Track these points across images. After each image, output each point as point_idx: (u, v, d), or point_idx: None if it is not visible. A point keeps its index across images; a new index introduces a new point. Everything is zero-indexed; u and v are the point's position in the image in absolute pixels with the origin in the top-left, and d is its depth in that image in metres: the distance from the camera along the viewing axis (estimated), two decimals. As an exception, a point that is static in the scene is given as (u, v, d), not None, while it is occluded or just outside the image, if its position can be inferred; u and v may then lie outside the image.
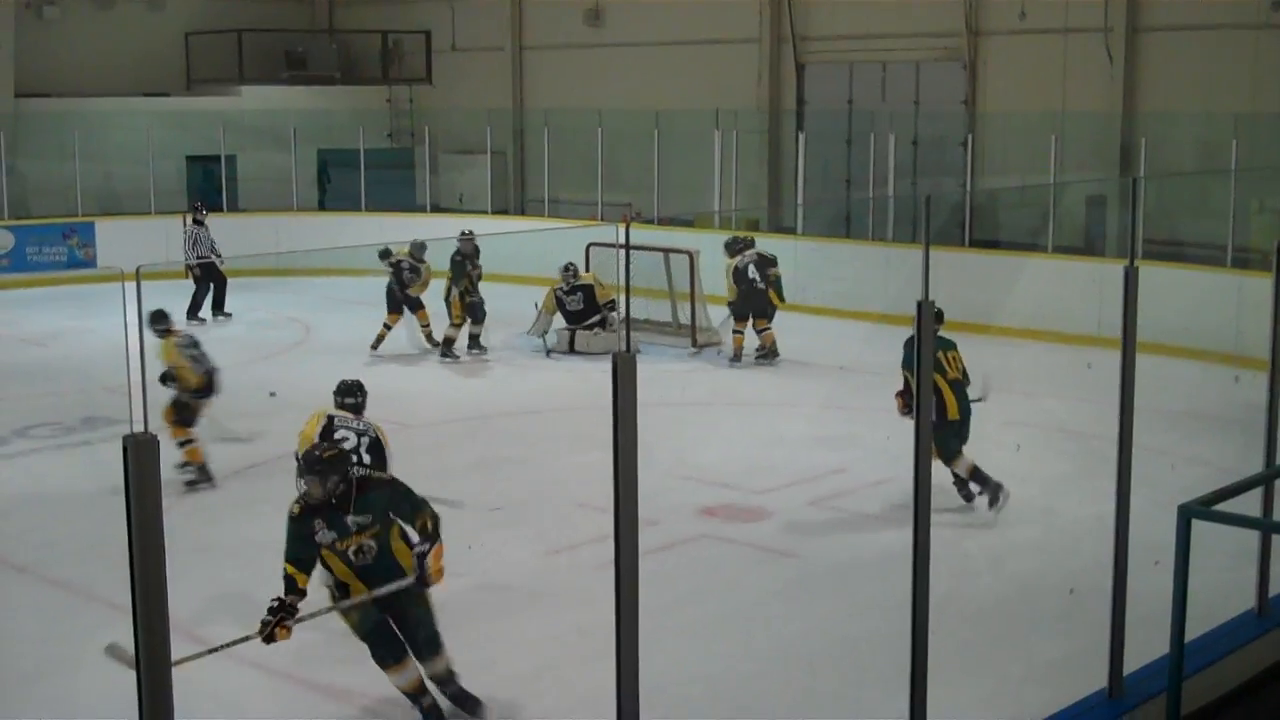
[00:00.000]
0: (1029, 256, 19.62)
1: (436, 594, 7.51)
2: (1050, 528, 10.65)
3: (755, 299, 16.89)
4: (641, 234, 19.76)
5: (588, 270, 17.95)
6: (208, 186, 25.51)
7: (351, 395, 9.72)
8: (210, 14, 27.85)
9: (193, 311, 19.67)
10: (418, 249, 17.45)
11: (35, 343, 18.70)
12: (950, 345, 10.87)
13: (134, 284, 4.59)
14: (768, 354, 17.00)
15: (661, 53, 24.69)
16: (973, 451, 10.95)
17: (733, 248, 17.18)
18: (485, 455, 12.99)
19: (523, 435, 13.84)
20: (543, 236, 20.91)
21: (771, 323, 17.03)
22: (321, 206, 25.71)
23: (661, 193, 22.93)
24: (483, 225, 23.08)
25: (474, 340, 17.57)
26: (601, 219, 22.58)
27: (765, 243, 21.06)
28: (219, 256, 20.03)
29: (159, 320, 11.79)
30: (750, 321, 16.98)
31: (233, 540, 10.49)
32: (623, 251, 18.42)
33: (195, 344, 12.06)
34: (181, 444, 11.78)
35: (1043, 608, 9.03)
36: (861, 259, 20.02)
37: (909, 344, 10.16)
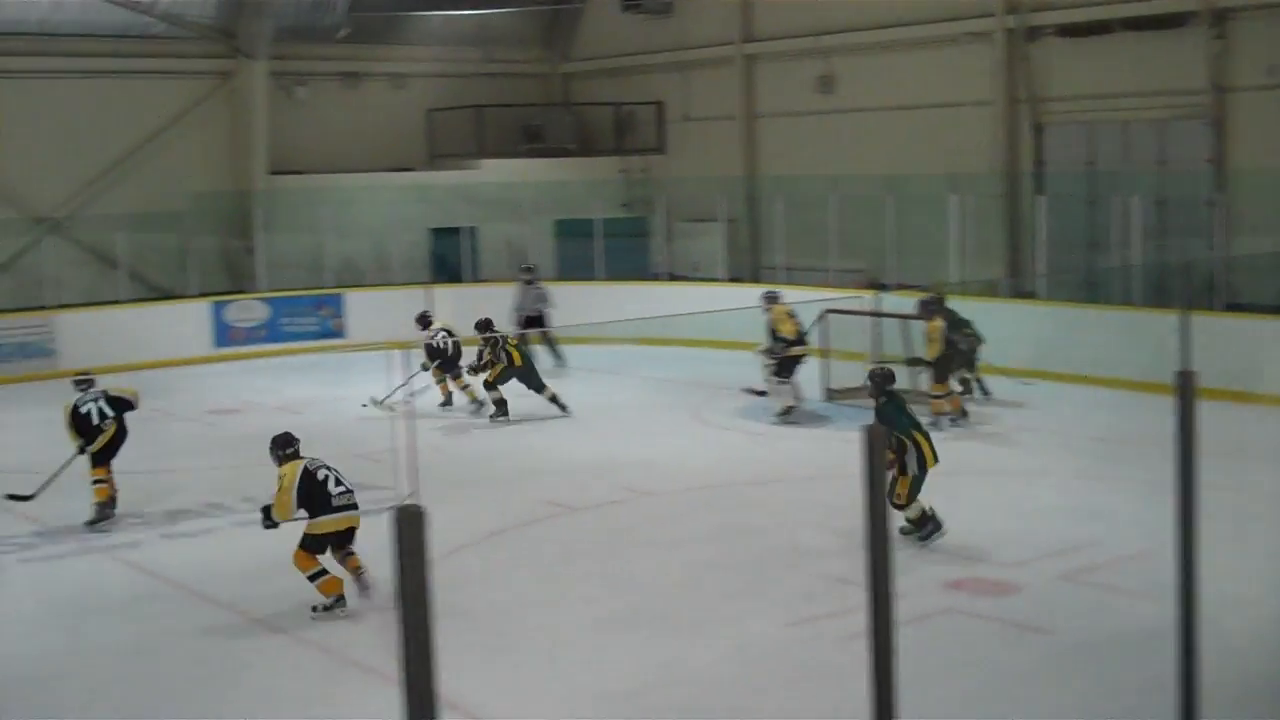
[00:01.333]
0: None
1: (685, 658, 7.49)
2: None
3: (959, 359, 17.10)
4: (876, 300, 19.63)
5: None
6: (448, 258, 26.26)
7: (292, 445, 11.03)
8: (451, 91, 28.79)
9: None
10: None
11: (290, 410, 19.40)
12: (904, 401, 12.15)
13: (391, 354, 4.74)
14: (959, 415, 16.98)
15: (894, 117, 24.56)
16: (1227, 528, 10.52)
17: (931, 307, 17.04)
18: (726, 523, 12.98)
19: (763, 503, 13.79)
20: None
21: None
22: (560, 276, 26.21)
23: (896, 259, 22.74)
24: (717, 293, 23.21)
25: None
26: (835, 285, 22.46)
27: (1005, 309, 20.76)
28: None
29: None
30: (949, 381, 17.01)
31: (480, 604, 10.68)
32: (866, 319, 18.40)
33: None
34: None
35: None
36: (1107, 325, 19.47)
37: (881, 410, 11.85)
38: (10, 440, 17.68)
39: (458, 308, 22.18)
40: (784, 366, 17.79)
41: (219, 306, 24.37)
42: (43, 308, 23.39)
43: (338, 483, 10.77)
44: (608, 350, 22.39)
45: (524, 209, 26.41)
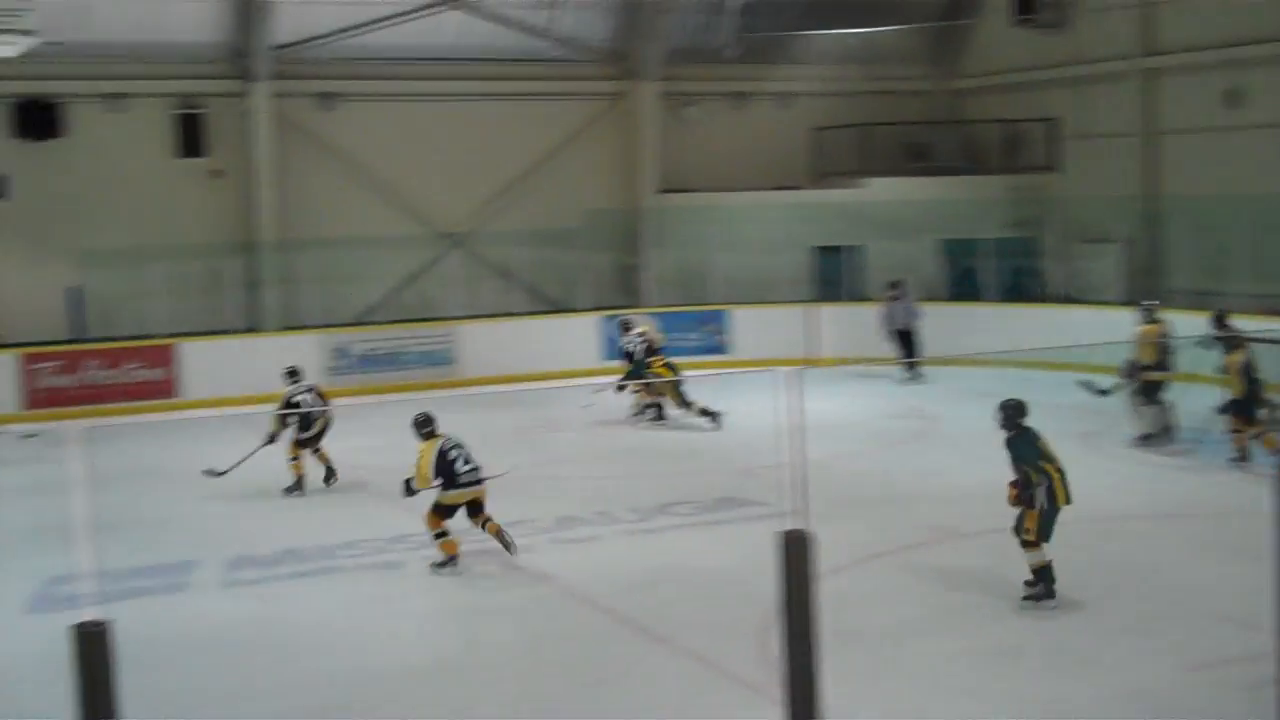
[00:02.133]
0: None
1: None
2: None
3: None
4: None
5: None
6: (832, 276, 26.26)
7: (429, 425, 12.70)
8: (836, 110, 28.76)
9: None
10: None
11: (673, 424, 19.78)
12: (1041, 435, 11.33)
13: (785, 371, 4.74)
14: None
15: (1311, 131, 23.06)
16: None
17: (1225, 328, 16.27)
18: (1118, 557, 12.45)
19: (1157, 538, 13.16)
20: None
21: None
22: (950, 297, 25.77)
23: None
24: (1112, 316, 22.32)
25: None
26: (1245, 312, 21.23)
27: None
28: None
29: None
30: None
31: (865, 626, 10.59)
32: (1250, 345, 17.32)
33: None
34: None
35: None
36: None
37: (1010, 443, 11.26)
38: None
39: (840, 326, 22.20)
40: (1146, 390, 17.02)
41: (607, 321, 25.10)
42: (445, 318, 24.67)
43: (466, 461, 12.50)
44: (992, 373, 21.85)
45: (909, 228, 26.09)
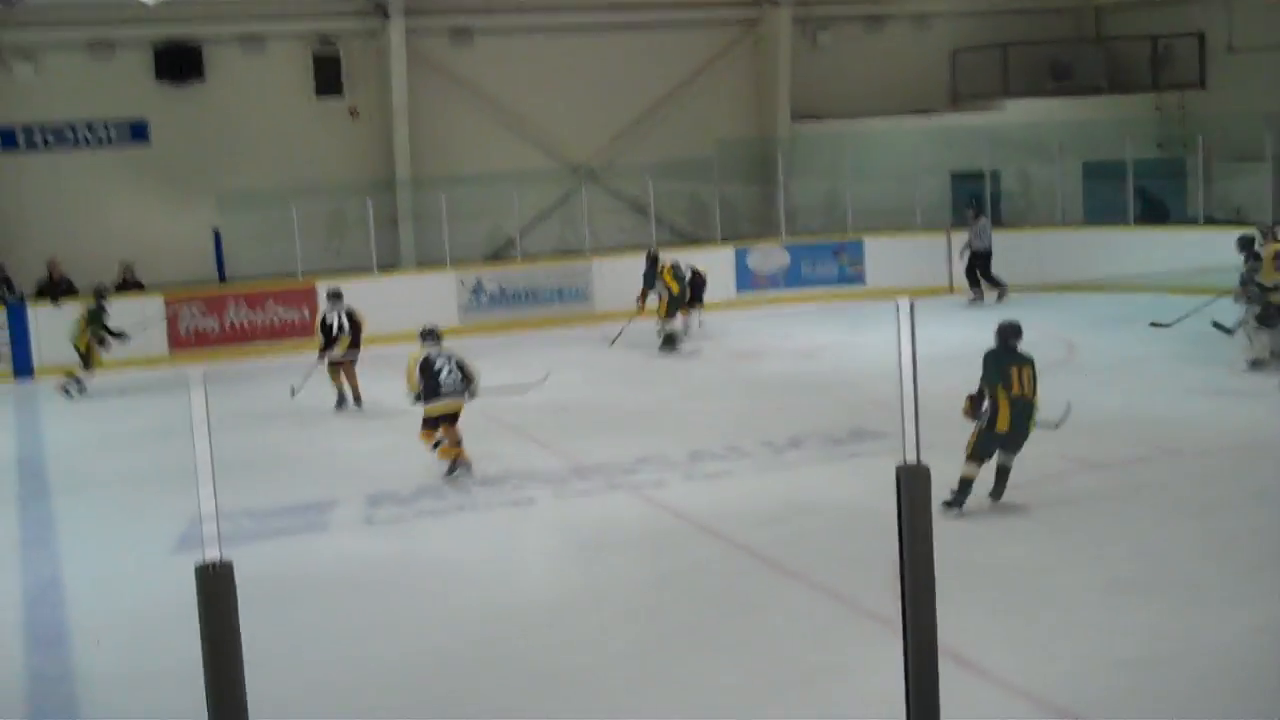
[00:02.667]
0: None
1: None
2: None
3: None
4: None
5: None
6: (970, 202, 25.83)
7: (429, 337, 13.58)
8: (976, 30, 28.15)
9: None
10: None
11: (806, 355, 19.70)
12: (1026, 361, 11.37)
13: (906, 305, 4.68)
14: None
15: None
16: None
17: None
18: (1261, 488, 12.12)
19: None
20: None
21: None
22: (1087, 219, 25.19)
23: None
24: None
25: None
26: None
27: None
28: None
29: None
30: None
31: (993, 561, 10.48)
32: None
33: None
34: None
35: None
36: None
37: (986, 358, 11.39)
38: (552, 380, 18.78)
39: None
40: (1266, 314, 16.45)
41: (742, 252, 24.99)
42: (580, 253, 24.76)
43: (449, 373, 13.29)
44: (1125, 299, 21.33)
45: (1050, 150, 25.50)
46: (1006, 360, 11.45)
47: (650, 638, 9.40)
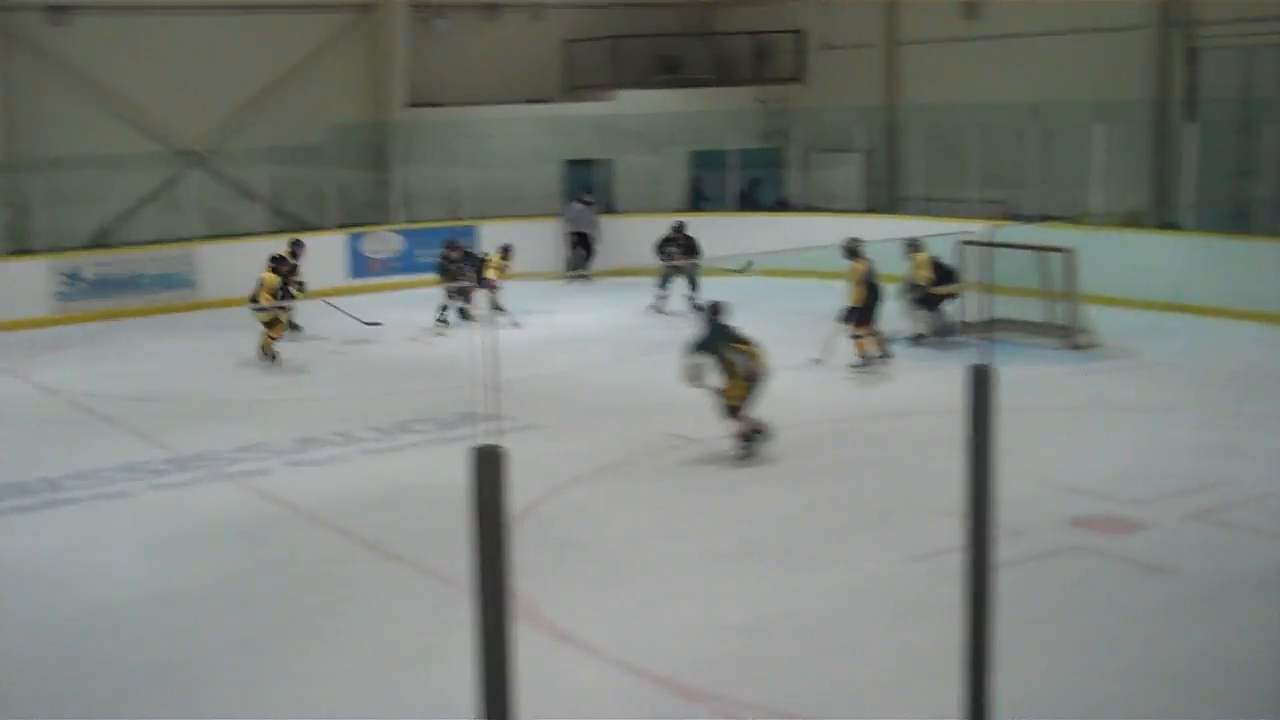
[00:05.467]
0: None
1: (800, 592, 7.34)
2: None
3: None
4: (1019, 232, 19.15)
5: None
6: (582, 189, 26.28)
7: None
8: (589, 22, 28.63)
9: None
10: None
11: (418, 340, 19.60)
12: (738, 335, 12.74)
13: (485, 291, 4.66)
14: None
15: (1040, 44, 23.79)
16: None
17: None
18: (850, 458, 12.80)
19: (888, 438, 13.55)
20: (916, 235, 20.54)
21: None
22: (695, 207, 25.98)
23: (1037, 189, 22.14)
24: (853, 224, 22.78)
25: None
26: (975, 216, 21.97)
27: (1149, 239, 20.20)
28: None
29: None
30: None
31: (597, 536, 10.65)
32: (994, 250, 18.00)
33: None
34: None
35: None
36: (1257, 256, 18.76)
37: (702, 334, 12.69)
38: (153, 369, 18.07)
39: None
40: (925, 301, 17.92)
41: (355, 238, 24.65)
42: (185, 239, 23.85)
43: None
44: (735, 283, 22.16)
45: (659, 140, 26.18)
46: (723, 334, 12.64)
47: (250, 628, 9.14)
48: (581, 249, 25.09)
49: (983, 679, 4.26)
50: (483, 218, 25.52)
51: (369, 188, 26.70)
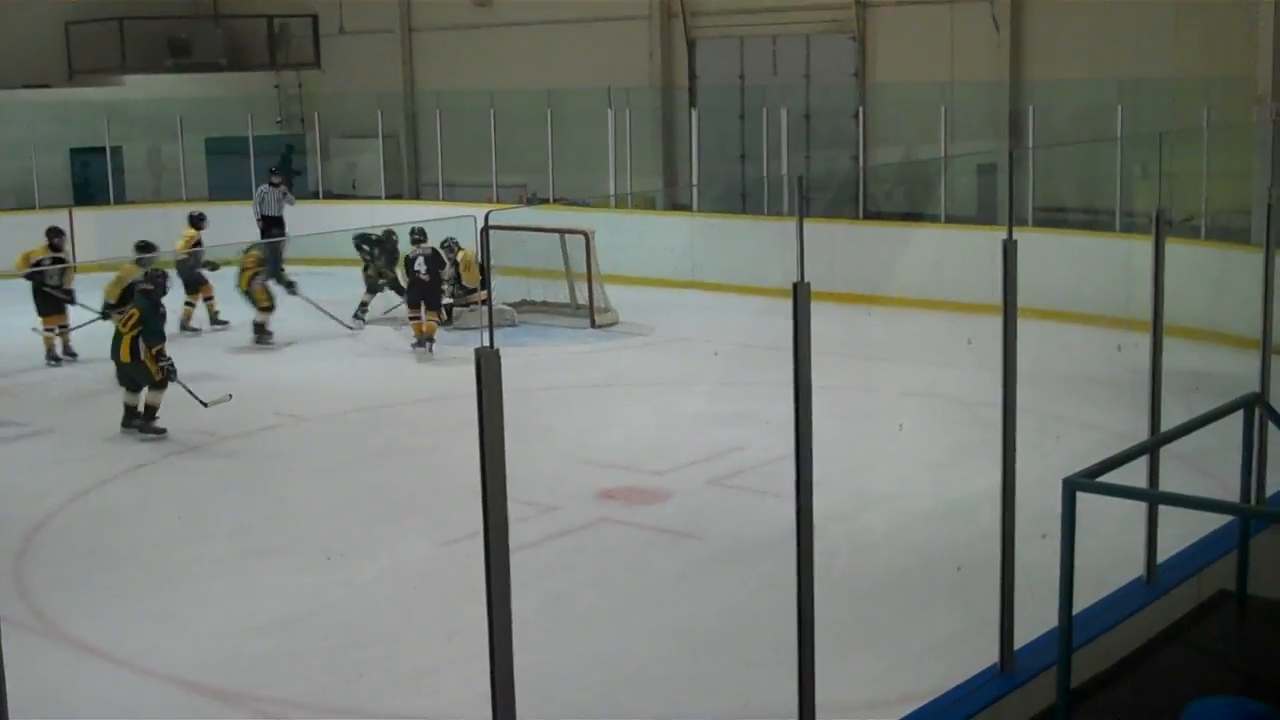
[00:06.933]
0: (920, 227, 19.80)
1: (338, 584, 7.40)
2: (943, 500, 10.71)
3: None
4: (538, 215, 19.70)
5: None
6: (91, 179, 25.04)
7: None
8: (91, 2, 27.20)
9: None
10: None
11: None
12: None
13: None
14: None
15: (552, 31, 24.52)
16: (861, 427, 11.06)
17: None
18: (384, 445, 12.87)
19: (423, 423, 13.67)
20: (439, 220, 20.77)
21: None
22: (211, 195, 25.25)
23: (556, 173, 22.82)
24: (376, 210, 22.80)
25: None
26: (497, 201, 22.42)
27: (661, 220, 21.23)
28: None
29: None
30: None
31: (126, 542, 10.30)
32: (518, 234, 18.46)
33: None
34: None
35: (939, 581, 9.08)
36: (758, 235, 20.06)
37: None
38: None
39: (101, 231, 21.29)
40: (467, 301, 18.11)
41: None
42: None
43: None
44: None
45: (172, 127, 25.28)
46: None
47: None
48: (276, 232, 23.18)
49: (508, 659, 4.48)
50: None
51: None
